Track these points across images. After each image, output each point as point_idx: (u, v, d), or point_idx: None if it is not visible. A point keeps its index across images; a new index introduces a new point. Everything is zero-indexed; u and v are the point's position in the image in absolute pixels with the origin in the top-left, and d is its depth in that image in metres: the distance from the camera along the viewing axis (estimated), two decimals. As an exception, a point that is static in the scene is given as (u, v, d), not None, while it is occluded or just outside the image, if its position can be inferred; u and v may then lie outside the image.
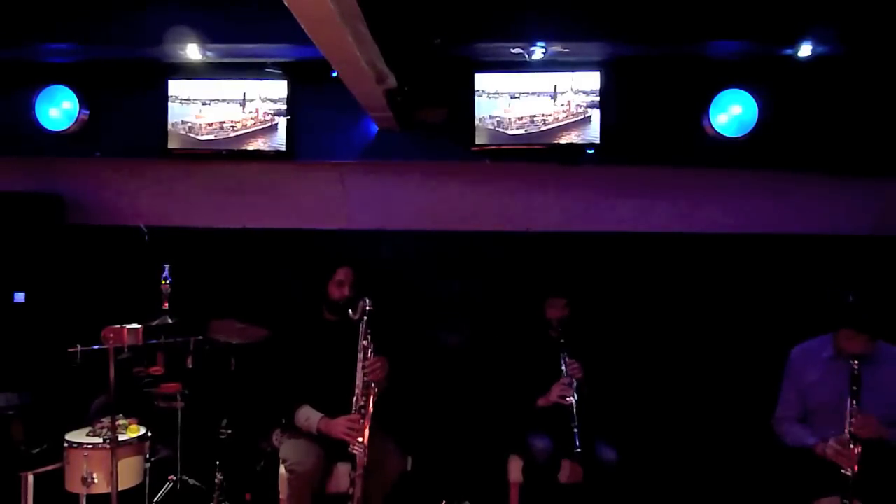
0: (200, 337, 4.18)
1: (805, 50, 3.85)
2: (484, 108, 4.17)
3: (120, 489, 3.45)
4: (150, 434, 3.77)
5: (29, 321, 4.53)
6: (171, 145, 4.39)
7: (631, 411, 4.35)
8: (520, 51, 3.97)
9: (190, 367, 4.20)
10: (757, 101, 4.06)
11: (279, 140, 4.33)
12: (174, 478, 4.16)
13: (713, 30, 3.84)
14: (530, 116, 4.15)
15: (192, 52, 4.04)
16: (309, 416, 3.60)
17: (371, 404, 3.55)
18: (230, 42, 4.02)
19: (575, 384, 3.75)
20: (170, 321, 4.13)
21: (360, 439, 3.48)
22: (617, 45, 3.99)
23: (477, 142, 4.19)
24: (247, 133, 4.35)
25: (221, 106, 4.34)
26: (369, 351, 3.59)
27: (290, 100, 4.31)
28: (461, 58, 4.14)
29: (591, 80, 4.10)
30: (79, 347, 3.70)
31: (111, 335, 3.40)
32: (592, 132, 4.11)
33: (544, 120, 4.14)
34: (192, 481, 4.20)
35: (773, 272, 4.66)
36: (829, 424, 3.29)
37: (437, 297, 4.79)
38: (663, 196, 4.58)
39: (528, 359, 3.96)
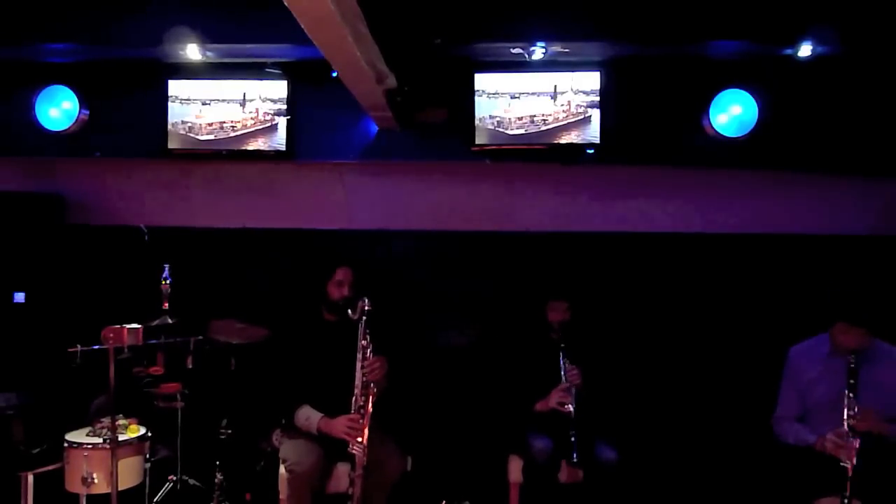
0: (200, 337, 4.18)
1: (805, 50, 3.85)
2: (484, 108, 4.17)
3: (120, 489, 3.45)
4: (150, 434, 3.77)
5: (29, 321, 4.53)
6: (171, 145, 4.39)
7: (631, 411, 4.36)
8: (520, 51, 3.97)
9: (190, 367, 4.20)
10: (757, 101, 4.06)
11: (279, 140, 4.33)
12: (174, 478, 4.16)
13: (713, 30, 3.84)
14: (530, 116, 4.15)
15: (192, 52, 4.04)
16: (309, 416, 3.60)
17: (370, 404, 3.56)
18: (230, 42, 4.02)
19: (574, 391, 3.75)
20: (170, 321, 4.13)
21: (360, 439, 3.48)
22: (617, 45, 3.99)
23: (477, 142, 4.19)
24: (247, 133, 4.35)
25: (221, 106, 4.34)
26: (368, 351, 3.60)
27: (290, 100, 4.31)
28: (461, 58, 4.14)
29: (591, 80, 4.10)
30: (79, 347, 3.69)
31: (111, 335, 3.40)
32: (592, 132, 4.11)
33: (544, 120, 4.14)
34: (192, 481, 4.20)
35: (774, 272, 4.65)
36: (827, 423, 3.29)
37: (437, 297, 4.79)
38: (663, 196, 4.58)
39: (527, 361, 3.95)
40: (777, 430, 3.57)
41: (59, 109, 4.41)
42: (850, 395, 3.18)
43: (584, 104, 4.11)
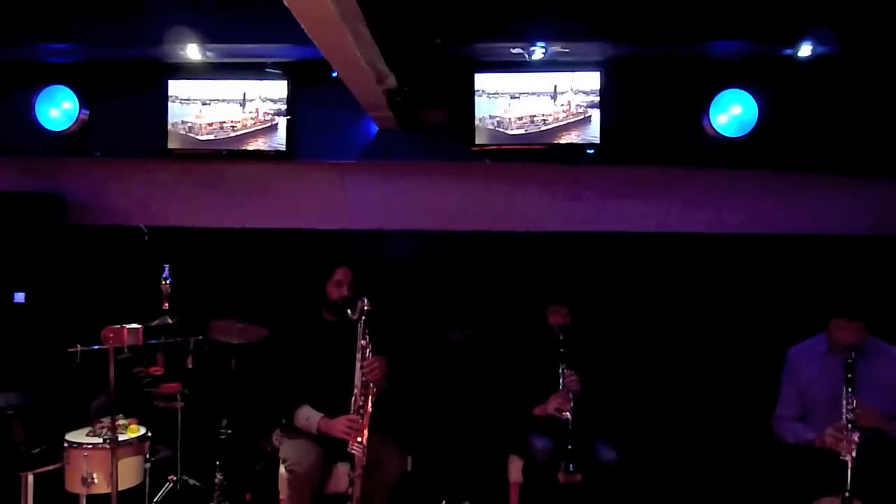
0: (200, 337, 4.18)
1: (805, 50, 3.85)
2: (484, 108, 4.17)
3: (120, 489, 3.45)
4: (150, 434, 3.77)
5: (29, 321, 4.53)
6: (171, 145, 4.39)
7: (631, 411, 4.35)
8: (520, 51, 3.97)
9: (190, 367, 4.20)
10: (757, 101, 4.06)
11: (279, 140, 4.33)
12: (174, 478, 4.16)
13: (713, 30, 3.84)
14: (530, 116, 4.15)
15: (192, 52, 4.04)
16: (309, 416, 3.60)
17: (370, 404, 3.55)
18: (230, 42, 4.02)
19: (572, 397, 3.75)
20: (170, 321, 4.13)
21: (360, 439, 3.48)
22: (617, 45, 3.99)
23: (477, 142, 4.19)
24: (247, 133, 4.35)
25: (221, 106, 4.34)
26: (368, 351, 3.59)
27: (290, 100, 4.31)
28: (461, 58, 4.14)
29: (591, 80, 4.10)
30: (79, 347, 3.69)
31: (111, 335, 3.40)
32: (592, 132, 4.11)
33: (544, 120, 4.14)
34: (192, 481, 4.20)
35: (774, 272, 4.66)
36: (827, 421, 3.30)
37: (437, 297, 4.79)
38: (663, 196, 4.58)
39: (527, 364, 3.95)
40: (777, 430, 3.58)
41: (59, 109, 4.41)
42: (849, 389, 3.20)
43: (584, 104, 4.11)
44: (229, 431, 4.13)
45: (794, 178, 4.35)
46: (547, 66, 4.08)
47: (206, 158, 4.44)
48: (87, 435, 3.65)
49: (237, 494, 4.14)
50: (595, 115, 4.11)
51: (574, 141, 4.13)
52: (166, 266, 4.24)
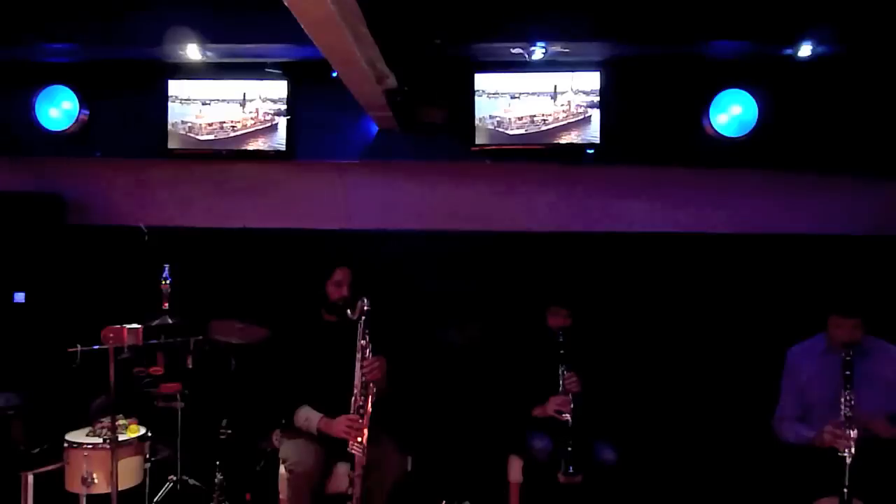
0: (200, 337, 4.18)
1: (805, 50, 3.85)
2: (484, 108, 4.17)
3: (120, 489, 3.46)
4: (150, 434, 3.78)
5: (29, 321, 4.53)
6: (171, 145, 4.39)
7: (630, 412, 4.34)
8: (520, 51, 3.97)
9: (190, 367, 4.20)
10: (757, 101, 4.07)
11: (279, 140, 4.33)
12: (174, 478, 4.16)
13: (713, 30, 3.84)
14: (530, 116, 4.15)
15: (192, 52, 4.05)
16: (309, 416, 3.60)
17: (370, 404, 3.55)
18: (230, 42, 4.02)
19: (572, 398, 3.75)
20: (170, 321, 4.13)
21: (360, 439, 3.48)
22: (617, 45, 3.99)
23: (477, 142, 4.19)
24: (247, 133, 4.35)
25: (221, 106, 4.35)
26: (367, 351, 3.59)
27: (290, 100, 4.32)
28: (461, 58, 4.14)
29: (591, 80, 4.11)
30: (79, 347, 3.68)
31: (111, 335, 3.40)
32: (592, 132, 4.12)
33: (544, 120, 4.14)
34: (192, 481, 4.20)
35: (774, 272, 4.65)
36: (826, 420, 3.28)
37: (437, 297, 4.78)
38: (663, 196, 4.57)
39: (527, 364, 3.94)
40: (778, 430, 3.58)
41: (59, 109, 4.42)
42: (847, 386, 3.20)
43: (584, 104, 4.11)
44: (229, 431, 4.12)
45: (794, 178, 4.35)
46: (547, 66, 4.08)
47: (206, 158, 4.45)
48: (87, 435, 3.65)
49: (237, 494, 4.14)
50: (595, 115, 4.11)
51: (574, 141, 4.13)
52: (166, 266, 4.24)
